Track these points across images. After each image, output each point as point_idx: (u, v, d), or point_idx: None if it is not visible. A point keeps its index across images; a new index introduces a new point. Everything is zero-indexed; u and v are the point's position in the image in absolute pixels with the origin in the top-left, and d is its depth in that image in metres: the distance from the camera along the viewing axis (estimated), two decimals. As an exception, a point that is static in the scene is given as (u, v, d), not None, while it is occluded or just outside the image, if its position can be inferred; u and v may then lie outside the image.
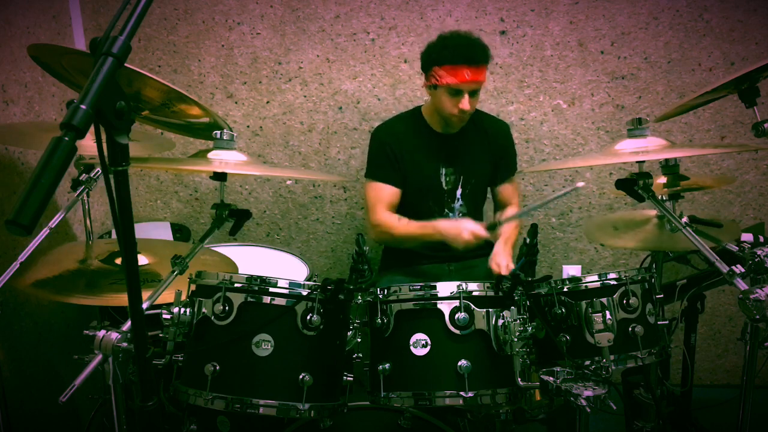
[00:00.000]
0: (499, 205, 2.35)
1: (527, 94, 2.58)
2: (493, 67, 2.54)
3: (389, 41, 2.54)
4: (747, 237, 1.89)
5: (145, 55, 2.56)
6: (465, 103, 2.03)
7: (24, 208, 0.69)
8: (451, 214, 2.24)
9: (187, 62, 2.58)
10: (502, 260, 1.99)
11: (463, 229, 1.94)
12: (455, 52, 2.01)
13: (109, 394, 1.19)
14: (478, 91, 2.08)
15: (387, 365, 1.39)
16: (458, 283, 1.39)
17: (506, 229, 2.18)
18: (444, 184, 2.22)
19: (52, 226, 1.55)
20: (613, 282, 1.48)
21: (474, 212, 2.28)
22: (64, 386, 1.12)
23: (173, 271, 1.39)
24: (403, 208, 2.22)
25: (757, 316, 1.25)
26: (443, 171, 2.21)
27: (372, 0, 2.50)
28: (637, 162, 1.51)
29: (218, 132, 1.49)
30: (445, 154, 2.22)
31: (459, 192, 2.24)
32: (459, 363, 1.34)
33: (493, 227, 1.98)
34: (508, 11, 2.50)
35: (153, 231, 2.45)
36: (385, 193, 2.19)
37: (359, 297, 1.46)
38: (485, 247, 2.24)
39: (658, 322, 1.53)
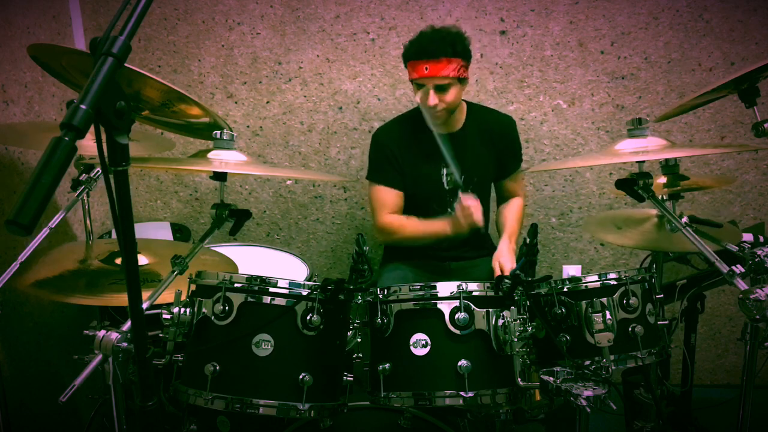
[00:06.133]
0: (504, 198, 2.34)
1: (527, 94, 2.58)
2: (493, 67, 2.54)
3: (389, 41, 2.54)
4: (747, 237, 1.89)
5: (145, 55, 2.56)
6: (430, 99, 1.99)
7: (24, 208, 0.69)
8: (453, 214, 2.23)
9: (187, 62, 2.58)
10: (506, 262, 1.98)
11: (456, 211, 1.98)
12: (416, 47, 2.00)
13: (109, 394, 1.19)
14: (447, 87, 1.99)
15: (387, 365, 1.39)
16: (458, 283, 1.39)
17: (508, 223, 2.20)
18: (446, 183, 2.20)
19: (52, 226, 1.55)
20: (613, 282, 1.48)
21: None
22: (64, 386, 1.12)
23: (173, 271, 1.39)
24: (405, 209, 2.21)
25: (757, 316, 1.25)
26: (444, 171, 2.20)
27: (372, 0, 2.50)
28: (637, 162, 1.51)
29: (218, 132, 1.50)
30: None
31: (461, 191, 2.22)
32: (459, 363, 1.34)
33: (464, 189, 2.07)
34: (508, 11, 2.50)
35: (153, 231, 2.45)
36: (388, 197, 2.19)
37: (359, 297, 1.46)
38: (486, 247, 2.25)
39: (658, 322, 1.53)
